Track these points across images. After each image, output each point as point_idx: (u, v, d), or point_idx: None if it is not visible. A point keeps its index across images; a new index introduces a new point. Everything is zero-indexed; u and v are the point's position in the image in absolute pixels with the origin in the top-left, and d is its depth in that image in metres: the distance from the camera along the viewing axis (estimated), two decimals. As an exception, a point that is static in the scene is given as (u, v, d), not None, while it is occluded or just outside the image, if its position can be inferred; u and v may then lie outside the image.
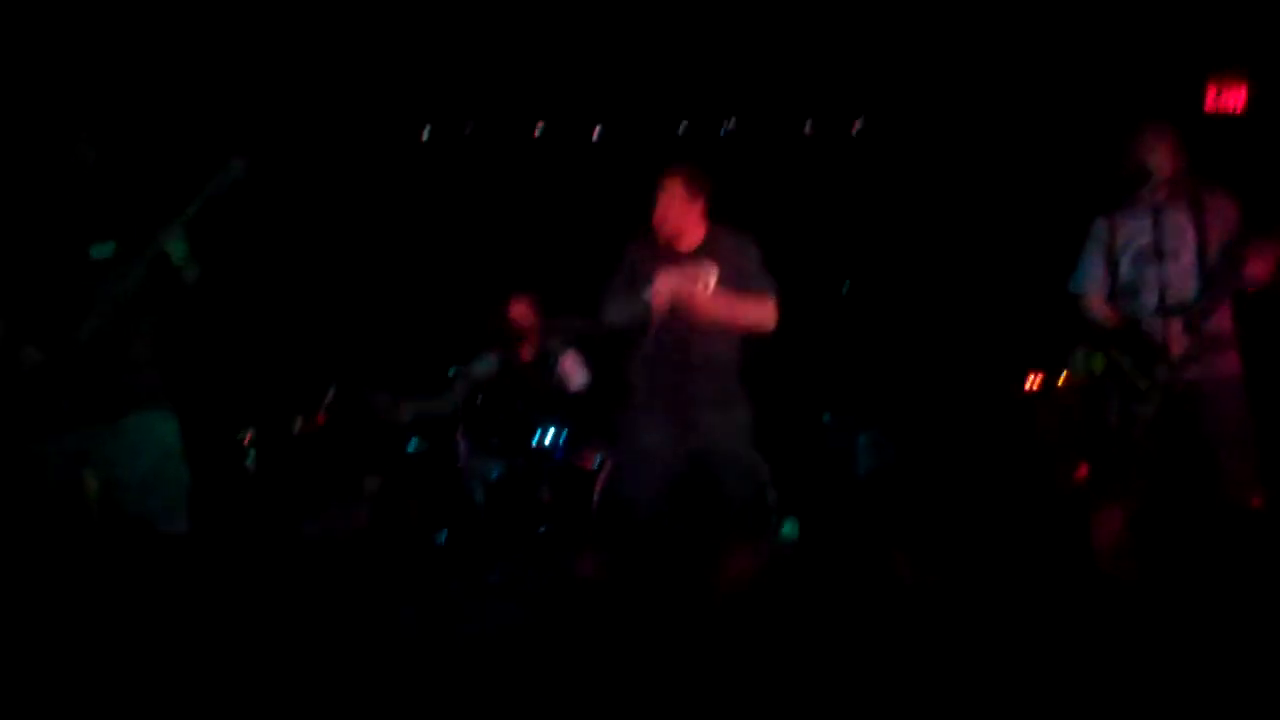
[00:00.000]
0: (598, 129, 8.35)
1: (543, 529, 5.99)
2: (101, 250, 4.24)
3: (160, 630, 3.97)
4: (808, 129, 8.29)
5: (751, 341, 4.66)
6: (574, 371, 6.71)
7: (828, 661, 4.05)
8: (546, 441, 6.28)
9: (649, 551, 4.71)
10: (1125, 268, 4.55)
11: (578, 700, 3.71)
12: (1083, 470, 5.98)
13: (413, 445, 6.49)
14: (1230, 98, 6.43)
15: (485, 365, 6.49)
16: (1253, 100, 6.43)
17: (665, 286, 4.48)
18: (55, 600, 4.04)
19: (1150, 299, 4.42)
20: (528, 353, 6.67)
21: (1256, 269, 4.25)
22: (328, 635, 4.61)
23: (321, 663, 4.15)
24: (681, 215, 4.62)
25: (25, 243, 4.26)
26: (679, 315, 4.47)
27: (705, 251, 4.64)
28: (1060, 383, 6.88)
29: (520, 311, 6.66)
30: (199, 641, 4.00)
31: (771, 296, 4.59)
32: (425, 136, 8.31)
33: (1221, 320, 4.40)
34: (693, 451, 4.61)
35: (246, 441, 6.85)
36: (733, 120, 8.25)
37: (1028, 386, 7.19)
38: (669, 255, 4.65)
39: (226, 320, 6.99)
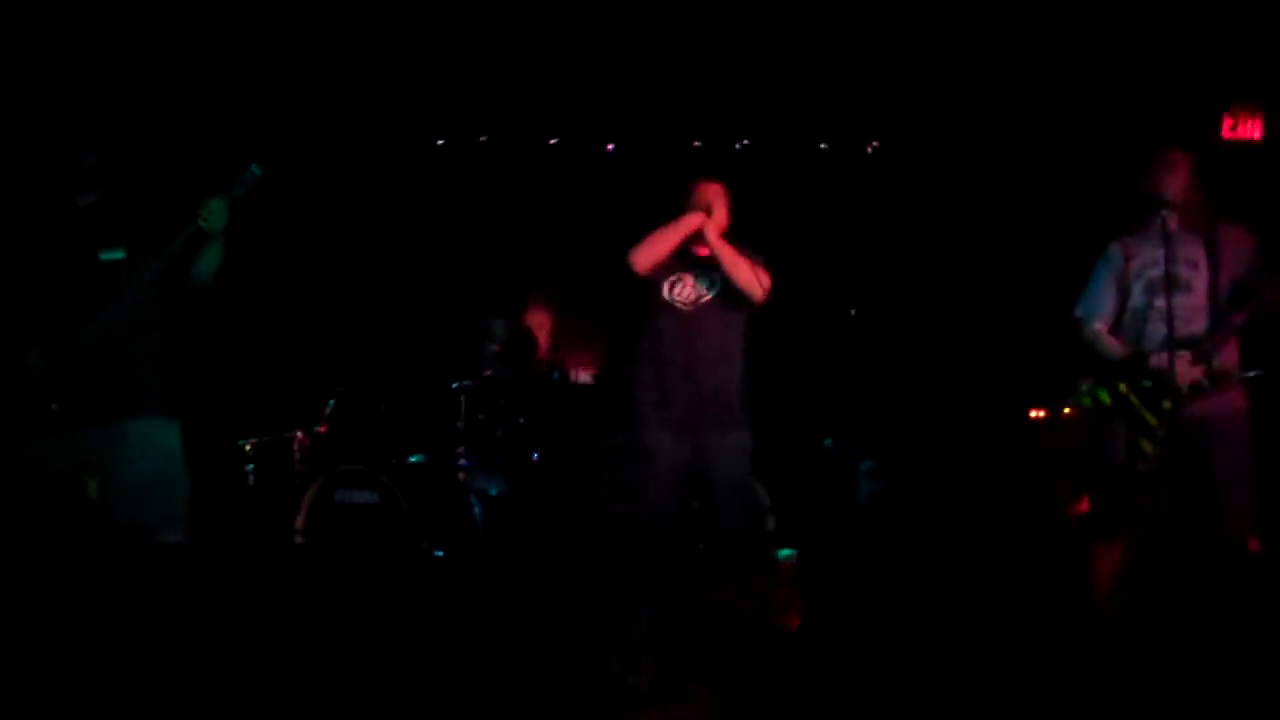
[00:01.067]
0: (611, 145, 8.33)
1: (539, 545, 5.97)
2: (112, 254, 4.23)
3: (155, 638, 3.95)
4: (822, 148, 8.26)
5: (755, 364, 4.74)
6: (583, 367, 6.70)
7: (825, 689, 4.01)
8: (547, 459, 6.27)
9: (652, 562, 4.71)
10: (1136, 296, 4.51)
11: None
12: (1085, 503, 5.92)
13: (415, 459, 6.46)
14: (1247, 127, 6.38)
15: (500, 329, 6.49)
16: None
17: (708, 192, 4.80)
18: (53, 603, 4.02)
19: (1158, 330, 4.38)
20: (535, 362, 6.66)
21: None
22: (323, 647, 4.58)
23: (316, 674, 4.12)
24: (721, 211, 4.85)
25: (30, 247, 4.25)
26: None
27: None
28: (1065, 413, 6.81)
29: (537, 319, 6.67)
30: (194, 650, 3.98)
31: (768, 278, 4.81)
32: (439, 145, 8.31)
33: (1229, 355, 4.35)
34: (694, 474, 4.66)
35: (248, 450, 6.82)
36: (747, 139, 8.22)
37: (1033, 416, 7.12)
38: (688, 255, 4.85)
39: (232, 327, 7.00)
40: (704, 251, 4.81)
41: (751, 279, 4.74)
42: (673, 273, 4.84)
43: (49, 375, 4.11)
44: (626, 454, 4.96)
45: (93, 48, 6.33)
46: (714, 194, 4.86)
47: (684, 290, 4.83)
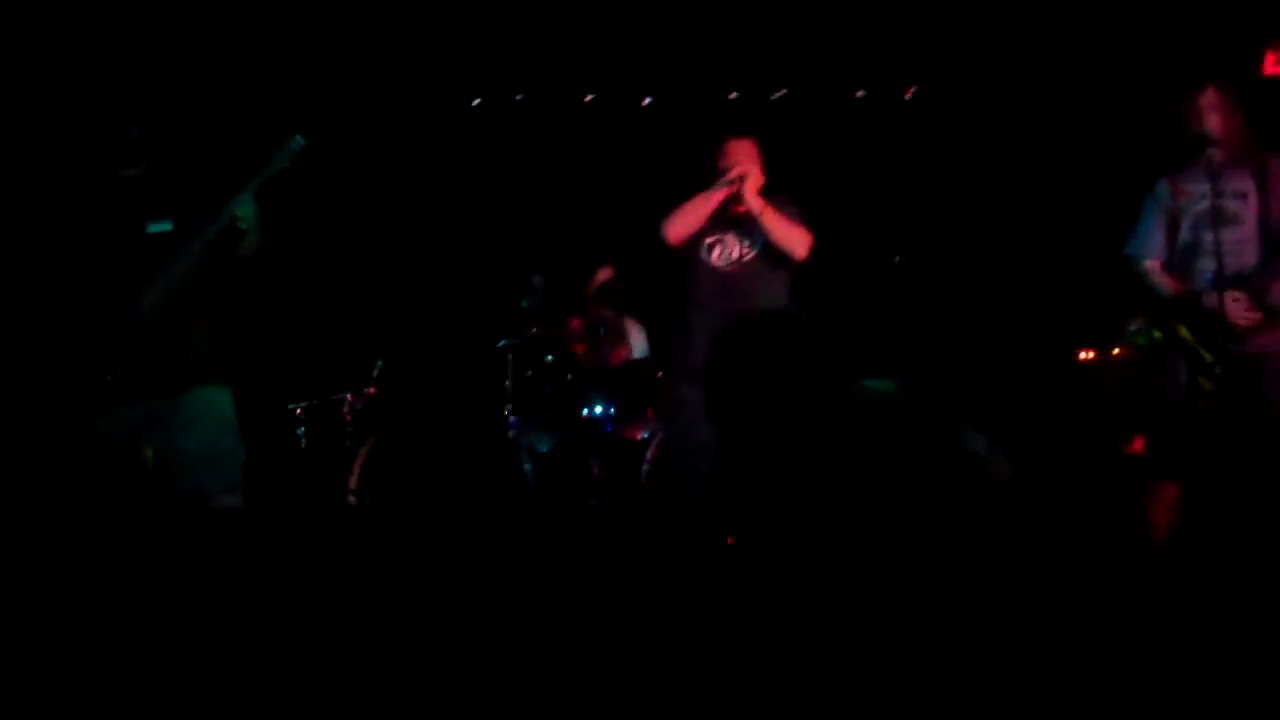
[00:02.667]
0: (648, 98, 8.31)
1: (592, 502, 6.00)
2: (159, 225, 4.27)
3: (215, 602, 4.01)
4: (859, 95, 8.21)
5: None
6: (636, 339, 6.71)
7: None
8: (596, 414, 6.28)
9: (699, 520, 4.73)
10: (1185, 231, 4.46)
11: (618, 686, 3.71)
12: (1139, 443, 5.90)
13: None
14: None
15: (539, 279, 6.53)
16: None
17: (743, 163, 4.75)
18: (106, 571, 4.09)
19: (1208, 265, 4.33)
20: (577, 323, 6.67)
21: None
22: (379, 607, 4.63)
23: (372, 633, 4.17)
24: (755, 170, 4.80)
25: (78, 219, 4.29)
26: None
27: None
28: (1116, 353, 6.79)
29: (607, 275, 6.68)
30: (252, 612, 4.04)
31: (809, 234, 4.79)
32: (475, 105, 8.31)
33: (1281, 291, 4.31)
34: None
35: (298, 415, 6.89)
36: (783, 89, 8.17)
37: (1082, 357, 7.09)
38: (728, 214, 4.82)
39: (279, 294, 7.05)
40: (743, 209, 4.78)
41: (792, 236, 4.72)
42: (712, 234, 4.84)
43: (106, 347, 4.17)
44: (670, 410, 4.97)
45: (135, 20, 6.36)
46: (745, 151, 4.84)
47: (725, 251, 4.82)
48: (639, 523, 5.61)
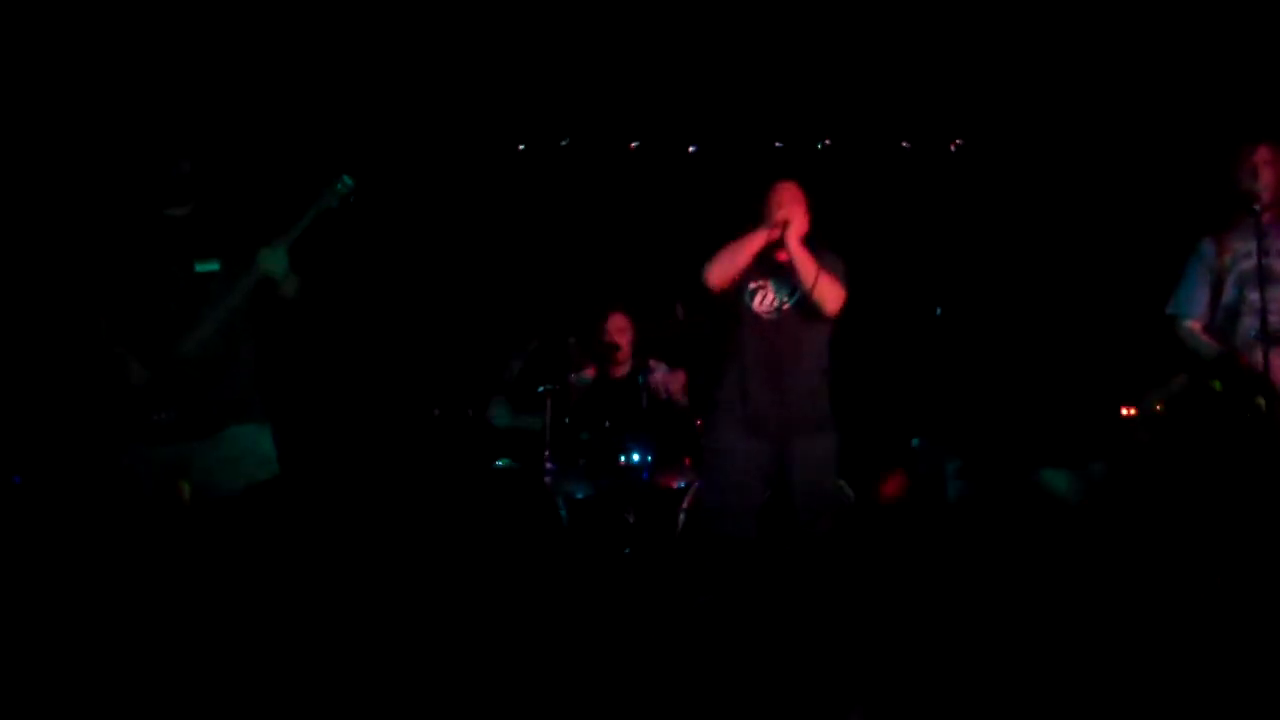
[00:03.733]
0: (693, 147, 8.35)
1: (627, 550, 5.98)
2: (207, 265, 4.31)
3: (218, 615, 4.03)
4: (904, 146, 8.21)
5: (841, 363, 4.71)
6: (668, 382, 6.71)
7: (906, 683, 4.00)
8: (634, 461, 6.28)
9: (738, 562, 4.71)
10: (1229, 290, 4.44)
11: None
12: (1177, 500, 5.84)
13: (502, 463, 6.52)
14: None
15: (583, 380, 6.52)
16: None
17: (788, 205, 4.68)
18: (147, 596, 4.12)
19: (1251, 324, 4.30)
20: (619, 370, 6.68)
21: None
22: (403, 645, 4.65)
23: (392, 669, 4.19)
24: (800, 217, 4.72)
25: (129, 257, 4.33)
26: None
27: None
28: (1157, 409, 6.73)
29: (617, 325, 6.68)
30: (260, 639, 4.06)
31: (843, 290, 4.72)
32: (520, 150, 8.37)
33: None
34: (776, 477, 4.65)
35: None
36: (828, 138, 8.19)
37: (1124, 413, 7.03)
38: (769, 262, 4.76)
39: (324, 332, 7.09)
40: (784, 257, 4.71)
41: (825, 292, 4.64)
42: (755, 280, 4.78)
43: (151, 386, 4.20)
44: (710, 457, 4.94)
45: (185, 58, 6.45)
46: (790, 196, 4.77)
47: (765, 298, 4.77)
48: (672, 575, 5.59)
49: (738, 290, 4.77)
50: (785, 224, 4.64)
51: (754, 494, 4.73)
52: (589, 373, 6.68)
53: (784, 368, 4.70)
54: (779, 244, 4.69)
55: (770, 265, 4.78)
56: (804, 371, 4.74)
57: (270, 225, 4.28)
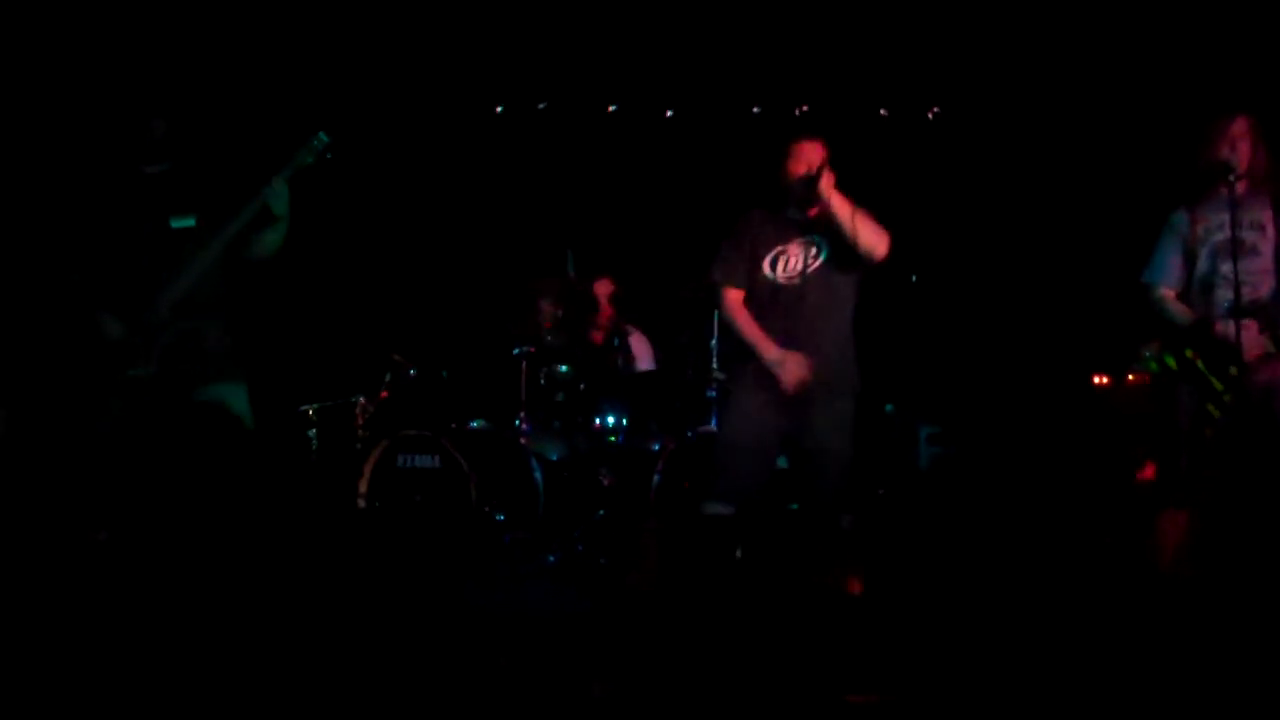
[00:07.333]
0: (670, 111, 8.33)
1: (601, 512, 6.00)
2: (182, 221, 4.30)
3: (222, 597, 4.03)
4: (882, 113, 8.22)
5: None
6: (642, 351, 6.72)
7: (880, 652, 4.02)
8: (608, 424, 6.29)
9: (749, 504, 4.71)
10: (1202, 262, 4.47)
11: (628, 683, 3.71)
12: (1149, 470, 5.89)
13: (476, 424, 6.51)
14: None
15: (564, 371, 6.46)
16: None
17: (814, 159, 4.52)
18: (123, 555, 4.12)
19: (1224, 295, 4.33)
20: (597, 334, 6.68)
21: None
22: (384, 611, 4.65)
23: (376, 638, 4.19)
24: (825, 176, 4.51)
25: (102, 214, 4.32)
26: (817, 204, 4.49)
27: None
28: (1130, 379, 6.78)
29: (603, 289, 6.68)
30: (260, 609, 4.06)
31: (887, 232, 4.56)
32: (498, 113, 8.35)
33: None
34: (792, 439, 4.59)
35: (311, 415, 6.91)
36: (805, 105, 8.19)
37: (1096, 382, 7.08)
38: (791, 223, 4.66)
39: (295, 294, 7.07)
40: (814, 213, 4.58)
41: (869, 235, 4.47)
42: (775, 246, 4.65)
43: (127, 341, 4.19)
44: (728, 416, 4.90)
45: (162, 18, 6.40)
46: (816, 154, 4.58)
47: (788, 263, 4.62)
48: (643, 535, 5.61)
49: (754, 264, 4.66)
50: (817, 173, 4.45)
51: (766, 460, 4.65)
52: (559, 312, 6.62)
53: (810, 332, 4.56)
54: (809, 200, 4.55)
55: (795, 226, 4.65)
56: (831, 333, 4.62)
57: (246, 183, 4.27)
